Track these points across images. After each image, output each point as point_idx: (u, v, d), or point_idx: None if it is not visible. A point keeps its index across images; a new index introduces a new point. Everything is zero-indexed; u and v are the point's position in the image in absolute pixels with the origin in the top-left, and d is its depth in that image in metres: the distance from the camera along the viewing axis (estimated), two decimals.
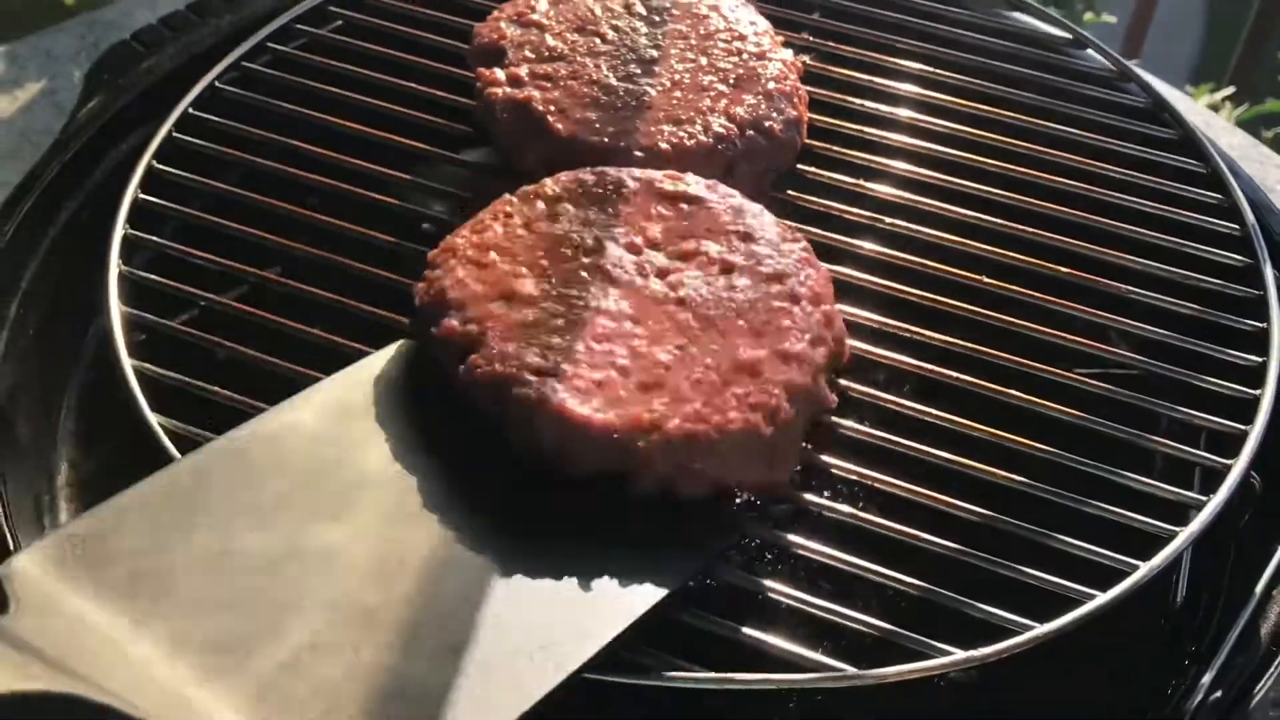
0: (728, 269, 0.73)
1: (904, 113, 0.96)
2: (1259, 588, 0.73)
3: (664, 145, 0.85)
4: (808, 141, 0.91)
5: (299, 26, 1.02)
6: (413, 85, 0.96)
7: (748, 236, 0.75)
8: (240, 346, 0.76)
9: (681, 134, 0.85)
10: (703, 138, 0.85)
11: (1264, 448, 0.73)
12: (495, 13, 0.96)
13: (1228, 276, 0.85)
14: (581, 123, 0.86)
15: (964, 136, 0.94)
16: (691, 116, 0.87)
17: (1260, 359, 0.78)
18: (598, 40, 0.93)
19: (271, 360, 0.75)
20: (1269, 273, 0.84)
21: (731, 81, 0.90)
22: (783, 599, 0.65)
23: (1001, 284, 0.82)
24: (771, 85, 0.90)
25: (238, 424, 0.66)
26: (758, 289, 0.72)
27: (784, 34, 0.98)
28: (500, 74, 0.90)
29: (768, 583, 0.66)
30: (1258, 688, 0.68)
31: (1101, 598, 0.64)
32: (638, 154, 0.84)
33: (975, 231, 0.87)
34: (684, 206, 0.77)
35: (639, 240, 0.75)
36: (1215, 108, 2.45)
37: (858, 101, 0.97)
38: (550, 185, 0.78)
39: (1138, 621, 0.77)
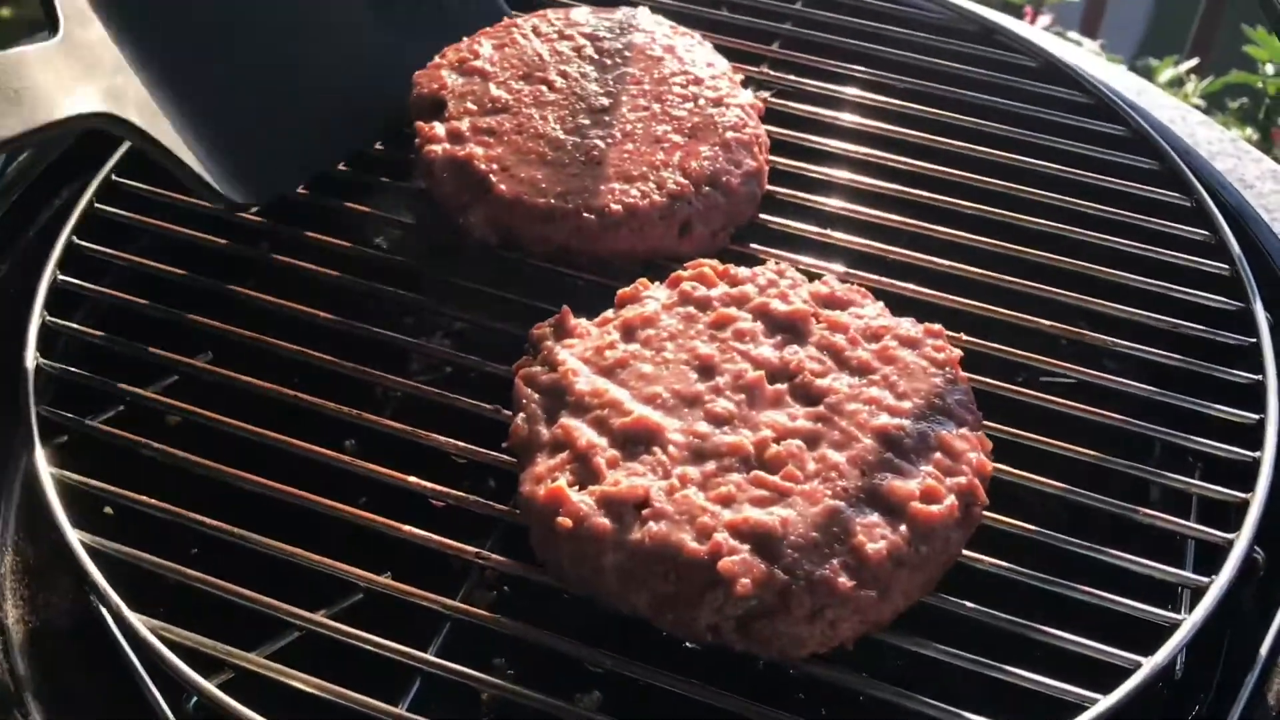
0: None
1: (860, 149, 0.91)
2: (1263, 650, 0.69)
3: (615, 206, 0.79)
4: (769, 188, 0.86)
5: None
6: None
7: None
8: (168, 447, 0.71)
9: (634, 193, 0.79)
10: (656, 197, 0.79)
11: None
12: (436, 59, 0.90)
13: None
14: (527, 182, 0.80)
15: (931, 175, 0.89)
16: (644, 173, 0.81)
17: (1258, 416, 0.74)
18: (544, 89, 0.87)
19: (201, 462, 0.70)
20: (1260, 312, 0.80)
21: (687, 131, 0.84)
22: None
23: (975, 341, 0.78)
24: (730, 135, 0.84)
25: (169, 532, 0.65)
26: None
27: (743, 69, 0.93)
28: (440, 128, 0.84)
29: None
30: None
31: (1105, 701, 0.60)
32: (587, 215, 0.78)
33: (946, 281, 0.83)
34: None
35: None
36: (1179, 81, 2.42)
37: (817, 140, 0.92)
38: None
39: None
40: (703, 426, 0.65)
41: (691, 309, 0.73)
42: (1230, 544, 0.67)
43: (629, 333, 0.71)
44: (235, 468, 0.69)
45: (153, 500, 0.68)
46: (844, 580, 0.58)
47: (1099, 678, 0.62)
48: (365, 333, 0.77)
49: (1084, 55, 1.30)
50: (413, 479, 0.68)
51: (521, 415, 0.68)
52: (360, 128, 0.90)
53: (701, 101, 0.86)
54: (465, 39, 0.91)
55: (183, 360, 0.76)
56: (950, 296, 0.80)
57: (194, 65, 0.82)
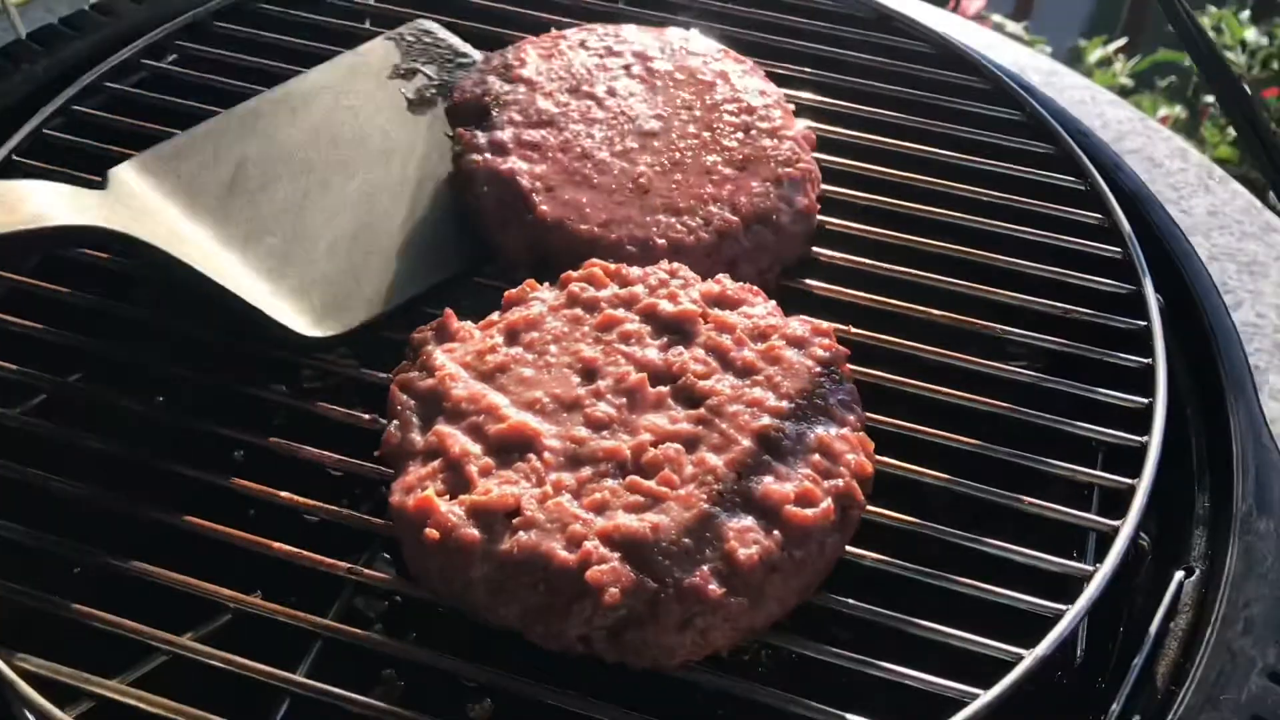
0: None
1: None
2: (1152, 628, 0.69)
3: (660, 240, 0.75)
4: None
5: (144, 61, 0.95)
6: None
7: None
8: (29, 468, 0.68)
9: (681, 228, 0.76)
10: (703, 233, 0.76)
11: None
12: (481, 64, 0.86)
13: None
14: (571, 206, 0.76)
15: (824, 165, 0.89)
16: (692, 205, 0.77)
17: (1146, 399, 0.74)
18: (593, 105, 0.83)
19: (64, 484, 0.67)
20: (1150, 295, 0.80)
21: (738, 163, 0.80)
22: None
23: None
24: (783, 170, 0.79)
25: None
26: None
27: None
28: (481, 137, 0.80)
29: None
30: None
31: (984, 697, 0.59)
32: (630, 249, 0.75)
33: None
34: None
35: None
36: (1108, 61, 2.44)
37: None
38: None
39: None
40: (581, 431, 0.64)
41: (579, 310, 0.71)
42: (1115, 531, 0.66)
43: (513, 336, 0.70)
44: (105, 488, 0.67)
45: (12, 524, 0.66)
46: (714, 587, 0.57)
47: (989, 671, 0.61)
48: (254, 347, 0.75)
49: (986, 39, 1.30)
50: (285, 494, 0.67)
51: (395, 423, 0.66)
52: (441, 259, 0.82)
53: (754, 132, 0.82)
54: (510, 47, 0.87)
55: (52, 379, 0.73)
56: (846, 290, 0.79)
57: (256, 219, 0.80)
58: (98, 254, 0.80)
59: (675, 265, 0.74)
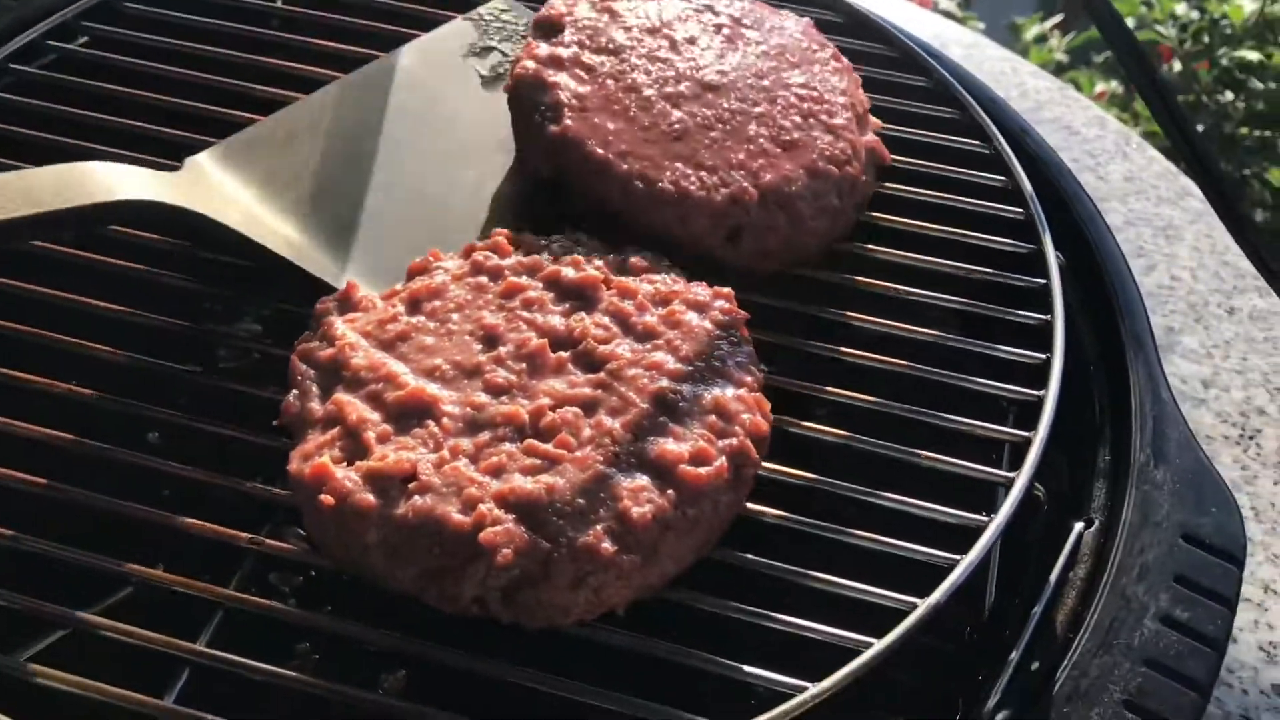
0: None
1: None
2: (1052, 577, 0.71)
3: (668, 186, 0.75)
4: None
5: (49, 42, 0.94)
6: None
7: None
8: None
9: (695, 180, 0.75)
10: (715, 193, 0.75)
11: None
12: None
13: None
14: (594, 128, 0.76)
15: None
16: (715, 165, 0.76)
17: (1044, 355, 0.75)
18: (665, 46, 0.82)
19: None
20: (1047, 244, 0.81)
21: (783, 142, 0.79)
22: None
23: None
24: (824, 165, 0.78)
25: None
26: None
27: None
28: (543, 48, 0.81)
29: None
30: (1055, 680, 0.66)
31: (878, 645, 0.60)
32: (638, 184, 0.75)
33: None
34: None
35: None
36: (1043, 37, 2.47)
37: None
38: None
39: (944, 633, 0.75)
40: (480, 397, 0.64)
41: (483, 278, 0.72)
42: (1010, 483, 0.68)
43: (415, 305, 0.70)
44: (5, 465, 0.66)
45: None
46: (607, 546, 0.57)
47: (886, 622, 0.63)
48: (162, 323, 0.75)
49: (909, 14, 1.31)
50: (188, 469, 0.67)
51: (294, 393, 0.66)
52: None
53: (812, 121, 0.81)
54: None
55: None
56: None
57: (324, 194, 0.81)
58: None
59: (578, 234, 0.75)
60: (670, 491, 0.60)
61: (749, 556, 0.64)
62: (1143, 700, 0.61)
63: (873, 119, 0.86)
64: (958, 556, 0.64)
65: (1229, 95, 2.09)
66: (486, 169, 0.84)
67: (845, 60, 0.89)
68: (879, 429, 0.71)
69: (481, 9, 0.95)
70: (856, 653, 0.60)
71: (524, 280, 0.71)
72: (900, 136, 0.90)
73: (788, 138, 0.79)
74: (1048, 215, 0.86)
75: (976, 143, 0.91)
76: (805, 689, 0.58)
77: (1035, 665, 0.66)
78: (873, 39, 1.00)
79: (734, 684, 0.60)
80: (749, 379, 0.66)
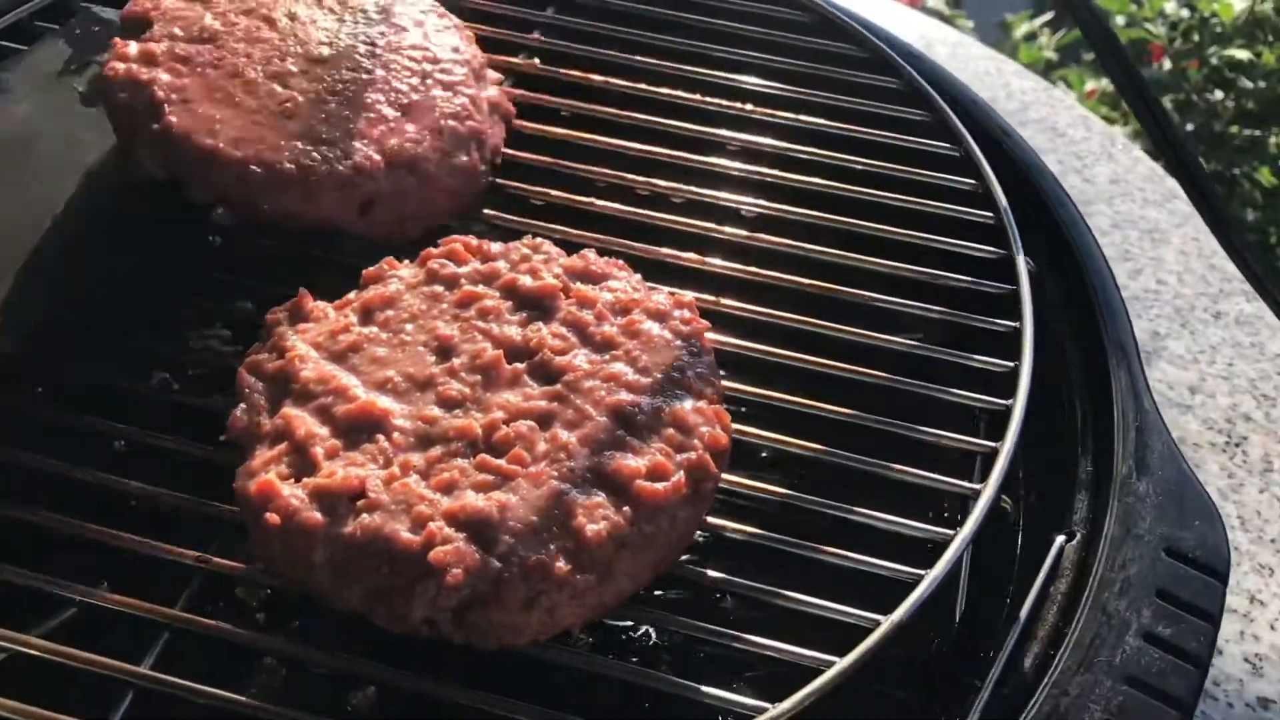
0: None
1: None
2: (1032, 592, 0.69)
3: (289, 166, 0.73)
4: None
5: None
6: None
7: None
8: None
9: (316, 156, 0.73)
10: (339, 165, 0.73)
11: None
12: None
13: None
14: (202, 120, 0.73)
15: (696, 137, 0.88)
16: (336, 138, 0.74)
17: (1012, 363, 0.74)
18: (263, 26, 0.80)
19: None
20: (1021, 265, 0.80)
21: (402, 106, 0.78)
22: None
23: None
24: (447, 123, 0.78)
25: None
26: None
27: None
28: (133, 47, 0.77)
29: None
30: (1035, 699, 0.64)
31: (841, 663, 0.59)
32: (255, 169, 0.72)
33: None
34: None
35: None
36: (1033, 35, 2.45)
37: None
38: None
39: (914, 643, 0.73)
40: (433, 410, 0.62)
41: (439, 287, 0.70)
42: (976, 495, 0.66)
43: (368, 314, 0.68)
44: None
45: None
46: (560, 565, 0.55)
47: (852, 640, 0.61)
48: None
49: (890, 14, 1.30)
50: (134, 484, 0.65)
51: (241, 406, 0.64)
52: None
53: (430, 81, 0.80)
54: None
55: None
56: (718, 263, 0.78)
57: None
58: None
59: (538, 240, 0.73)
60: (626, 508, 0.58)
61: (709, 573, 0.62)
62: None
63: (492, 73, 0.85)
64: (923, 572, 0.63)
65: (1219, 94, 2.07)
66: (95, 200, 0.76)
67: (455, 18, 0.87)
68: (848, 439, 0.70)
69: (74, 21, 0.89)
70: (819, 671, 0.58)
71: (480, 289, 0.69)
72: (869, 139, 0.89)
73: (406, 101, 0.78)
74: (1030, 219, 0.85)
75: (946, 145, 0.89)
76: (765, 709, 0.57)
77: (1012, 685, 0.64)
78: (842, 40, 0.98)
79: (694, 704, 0.58)
80: (709, 390, 0.64)
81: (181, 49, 0.76)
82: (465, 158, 0.78)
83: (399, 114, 0.77)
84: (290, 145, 0.73)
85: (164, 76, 0.75)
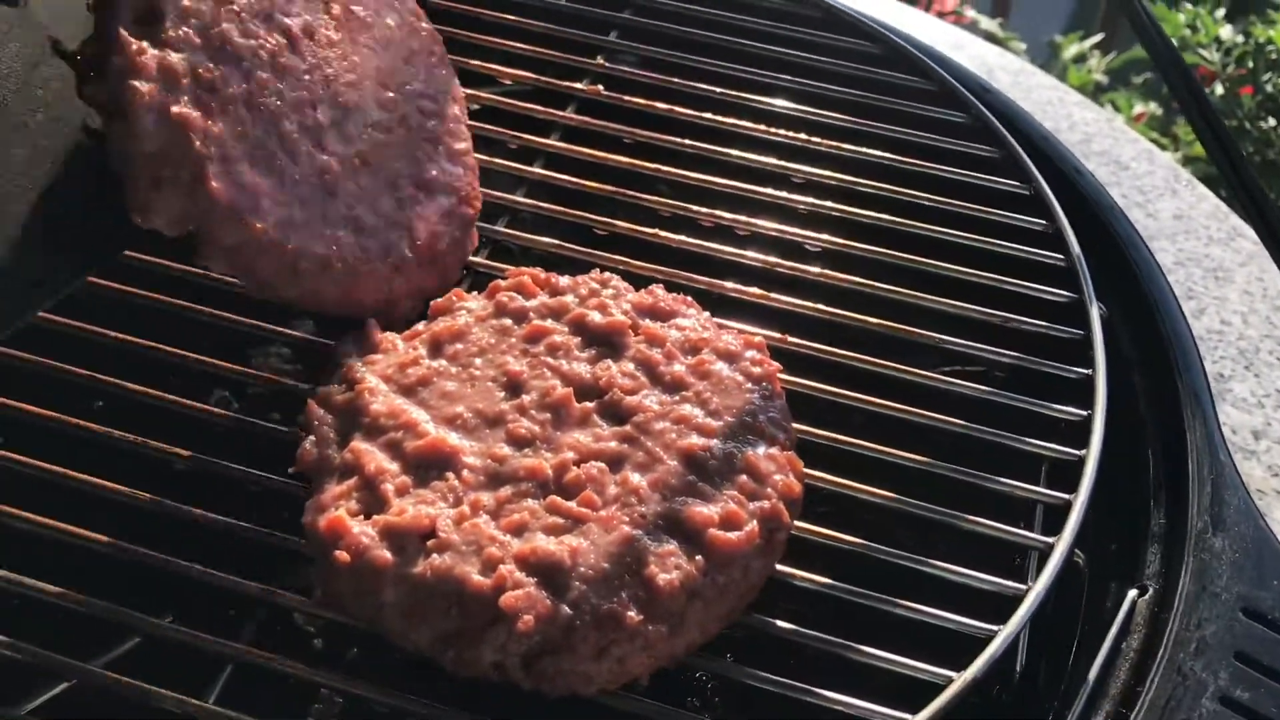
0: None
1: None
2: (1104, 648, 0.68)
3: (338, 264, 0.67)
4: None
5: None
6: None
7: None
8: None
9: (360, 252, 0.69)
10: (380, 264, 0.70)
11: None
12: None
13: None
14: (247, 192, 0.63)
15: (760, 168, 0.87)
16: (373, 224, 0.70)
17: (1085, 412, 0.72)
18: (287, 47, 0.68)
19: None
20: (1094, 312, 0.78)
21: (422, 183, 0.74)
22: None
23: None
24: (461, 208, 0.75)
25: None
26: None
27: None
28: (150, 53, 0.61)
29: None
30: None
31: None
32: (304, 264, 0.66)
33: None
34: None
35: None
36: (1083, 56, 2.43)
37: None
38: None
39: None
40: (503, 448, 0.62)
41: (507, 320, 0.69)
42: (1050, 549, 0.65)
43: (436, 347, 0.68)
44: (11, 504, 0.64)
45: None
46: (632, 614, 0.55)
47: (924, 694, 0.60)
48: (164, 355, 0.73)
49: (953, 38, 1.28)
50: (198, 511, 0.64)
51: (310, 439, 0.64)
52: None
53: (441, 150, 0.76)
54: None
55: None
56: (783, 299, 0.77)
57: None
58: None
59: (607, 275, 0.72)
60: (699, 557, 0.57)
61: (779, 624, 0.61)
62: None
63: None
64: (996, 628, 0.61)
65: (1272, 121, 2.04)
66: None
67: (439, 42, 0.82)
68: (914, 487, 0.68)
69: None
70: None
71: (549, 324, 0.69)
72: (936, 175, 0.87)
73: (425, 176, 0.74)
74: (1100, 258, 0.83)
75: (1016, 183, 0.87)
76: None
77: None
78: (909, 71, 0.97)
79: None
80: (781, 436, 0.64)
81: (205, 70, 0.63)
82: (459, 233, 0.76)
83: (421, 194, 0.74)
84: (335, 236, 0.68)
85: (195, 113, 0.61)
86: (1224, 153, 0.83)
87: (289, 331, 0.75)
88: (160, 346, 0.72)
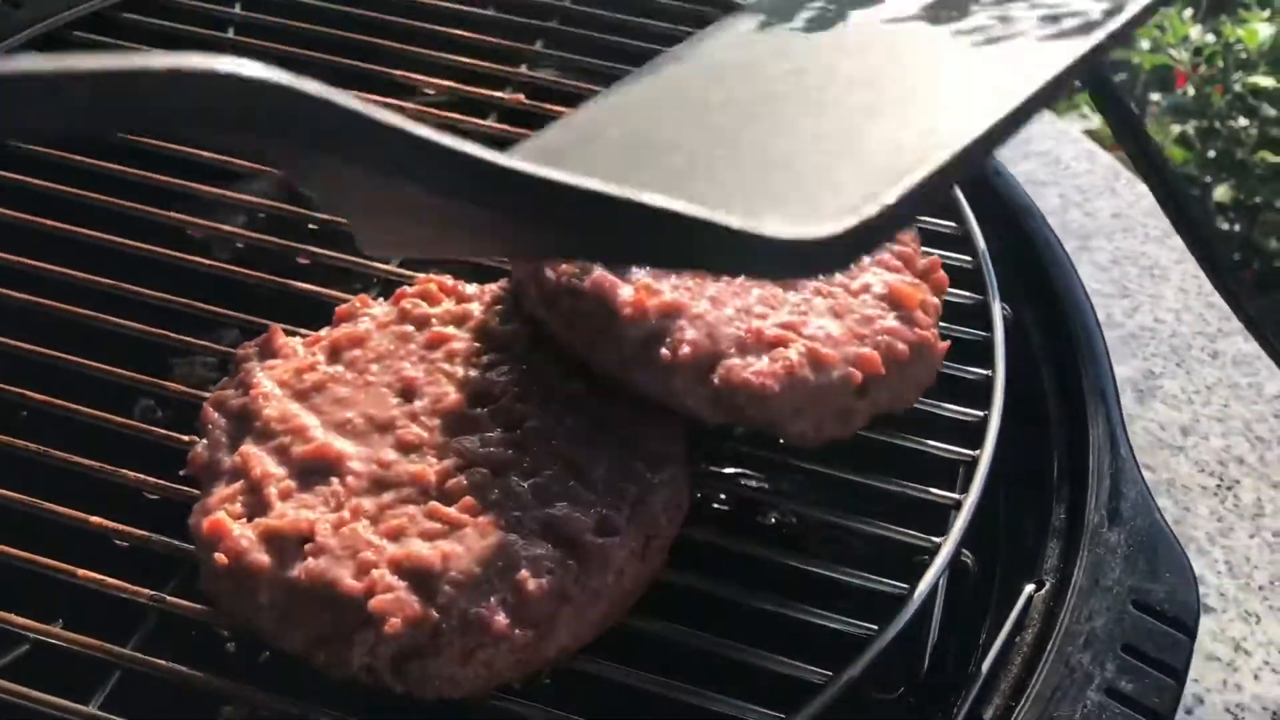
0: None
1: None
2: (996, 643, 0.68)
3: None
4: None
5: None
6: None
7: None
8: None
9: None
10: None
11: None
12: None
13: None
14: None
15: None
16: None
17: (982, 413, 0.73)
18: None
19: None
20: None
21: None
22: None
23: None
24: None
25: None
26: None
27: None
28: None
29: None
30: None
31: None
32: None
33: None
34: None
35: None
36: None
37: None
38: None
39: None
40: (389, 454, 0.62)
41: (409, 327, 0.70)
42: (936, 548, 0.65)
43: (335, 353, 0.68)
44: None
45: None
46: (500, 619, 0.55)
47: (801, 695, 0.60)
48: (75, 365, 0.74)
49: None
50: (95, 519, 0.65)
51: (203, 442, 0.64)
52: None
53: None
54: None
55: None
56: None
57: None
58: None
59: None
60: (571, 562, 0.57)
61: (659, 625, 0.62)
62: None
63: None
64: (875, 627, 0.62)
65: (1242, 121, 2.04)
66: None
67: None
68: (809, 490, 0.69)
69: None
70: None
71: (450, 330, 0.69)
72: None
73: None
74: (1018, 260, 0.83)
75: None
76: None
77: None
78: None
79: None
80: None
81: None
82: None
83: None
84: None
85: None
86: (1140, 149, 0.84)
87: (213, 345, 0.76)
88: (81, 360, 0.73)
